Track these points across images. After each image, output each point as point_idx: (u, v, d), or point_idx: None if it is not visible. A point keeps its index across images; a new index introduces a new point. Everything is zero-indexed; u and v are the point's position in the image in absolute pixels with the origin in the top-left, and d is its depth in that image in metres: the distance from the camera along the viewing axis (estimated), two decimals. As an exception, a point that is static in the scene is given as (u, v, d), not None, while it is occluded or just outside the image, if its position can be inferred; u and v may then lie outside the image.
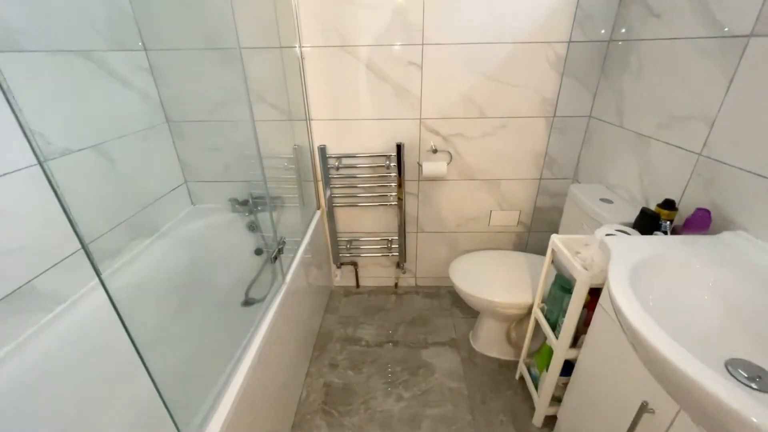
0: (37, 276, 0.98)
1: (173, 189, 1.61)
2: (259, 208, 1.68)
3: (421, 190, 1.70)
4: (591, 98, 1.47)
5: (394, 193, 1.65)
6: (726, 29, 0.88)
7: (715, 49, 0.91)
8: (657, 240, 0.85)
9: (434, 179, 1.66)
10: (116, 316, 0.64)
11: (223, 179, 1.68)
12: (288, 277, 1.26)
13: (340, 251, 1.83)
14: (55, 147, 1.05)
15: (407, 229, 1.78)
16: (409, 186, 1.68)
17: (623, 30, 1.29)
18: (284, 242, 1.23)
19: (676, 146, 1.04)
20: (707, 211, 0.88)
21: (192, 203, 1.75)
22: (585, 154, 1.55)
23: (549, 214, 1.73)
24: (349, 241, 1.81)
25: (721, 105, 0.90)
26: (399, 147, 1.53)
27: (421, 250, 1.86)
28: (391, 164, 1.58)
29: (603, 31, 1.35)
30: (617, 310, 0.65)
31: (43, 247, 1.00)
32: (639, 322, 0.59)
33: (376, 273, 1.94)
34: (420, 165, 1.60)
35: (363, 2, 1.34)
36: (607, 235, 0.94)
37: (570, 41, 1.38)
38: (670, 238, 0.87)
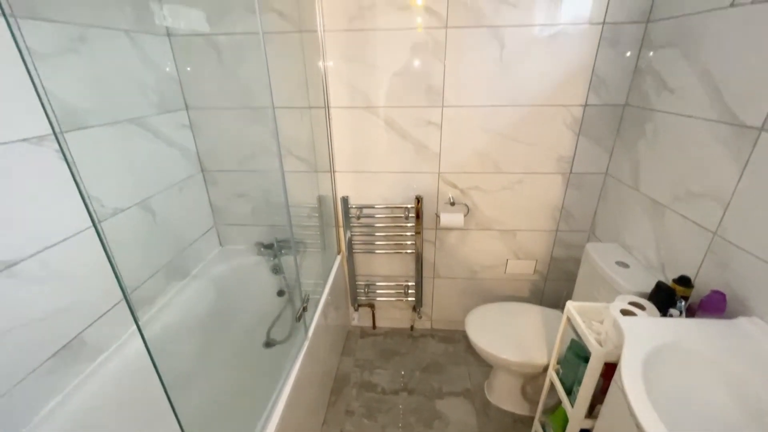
0: (85, 329, 1.07)
1: (204, 233, 1.72)
2: (283, 251, 1.76)
3: (438, 238, 1.75)
4: (607, 157, 1.51)
5: (411, 242, 1.71)
6: (738, 118, 0.92)
7: (728, 134, 0.95)
8: (672, 324, 0.87)
9: (452, 229, 1.71)
10: (150, 361, 0.69)
11: (249, 223, 1.79)
12: (310, 332, 1.32)
13: (357, 294, 1.89)
14: (108, 209, 1.16)
15: (424, 275, 1.83)
16: (427, 234, 1.74)
17: (638, 97, 1.33)
18: (308, 299, 1.30)
19: (692, 221, 1.06)
20: (722, 295, 0.90)
21: (220, 244, 1.85)
22: (601, 210, 1.57)
23: (565, 264, 1.74)
24: (367, 285, 1.87)
25: (734, 189, 0.92)
26: (418, 199, 1.60)
27: (437, 294, 1.90)
28: (410, 215, 1.64)
29: (618, 97, 1.40)
30: (629, 407, 0.68)
31: (90, 301, 1.10)
32: (650, 428, 0.61)
33: (393, 315, 1.98)
34: (438, 216, 1.66)
35: (387, 68, 1.43)
36: (622, 310, 0.96)
37: (586, 105, 1.43)
38: (685, 322, 0.88)
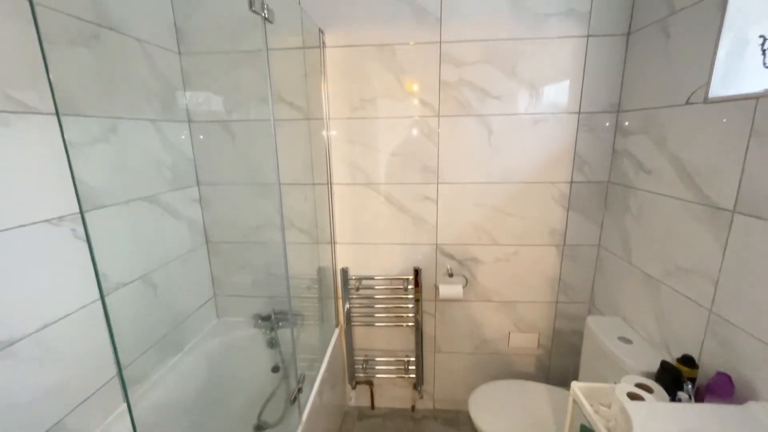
0: (70, 412, 1.02)
1: (203, 304, 1.71)
2: (281, 324, 1.73)
3: (438, 311, 1.73)
4: (598, 230, 1.57)
5: (411, 314, 1.69)
6: (711, 200, 0.99)
7: (705, 215, 1.01)
8: (681, 410, 0.84)
9: (451, 300, 1.70)
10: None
11: (249, 294, 1.78)
12: (304, 416, 1.25)
13: (356, 370, 1.81)
14: (111, 283, 1.19)
15: (425, 349, 1.77)
16: (427, 306, 1.73)
17: (619, 176, 1.43)
18: (303, 378, 1.25)
19: (686, 296, 1.07)
20: (728, 377, 0.88)
21: (218, 316, 1.83)
22: (599, 282, 1.58)
23: (569, 337, 1.70)
24: (366, 360, 1.80)
25: (720, 267, 0.95)
26: (417, 271, 1.62)
27: (439, 370, 1.82)
28: (409, 286, 1.65)
29: (601, 174, 1.50)
30: None
31: (78, 381, 1.07)
32: None
33: (393, 393, 1.87)
34: (437, 287, 1.67)
35: (386, 149, 1.56)
36: (629, 394, 0.93)
37: (572, 182, 1.53)
38: (694, 408, 0.85)
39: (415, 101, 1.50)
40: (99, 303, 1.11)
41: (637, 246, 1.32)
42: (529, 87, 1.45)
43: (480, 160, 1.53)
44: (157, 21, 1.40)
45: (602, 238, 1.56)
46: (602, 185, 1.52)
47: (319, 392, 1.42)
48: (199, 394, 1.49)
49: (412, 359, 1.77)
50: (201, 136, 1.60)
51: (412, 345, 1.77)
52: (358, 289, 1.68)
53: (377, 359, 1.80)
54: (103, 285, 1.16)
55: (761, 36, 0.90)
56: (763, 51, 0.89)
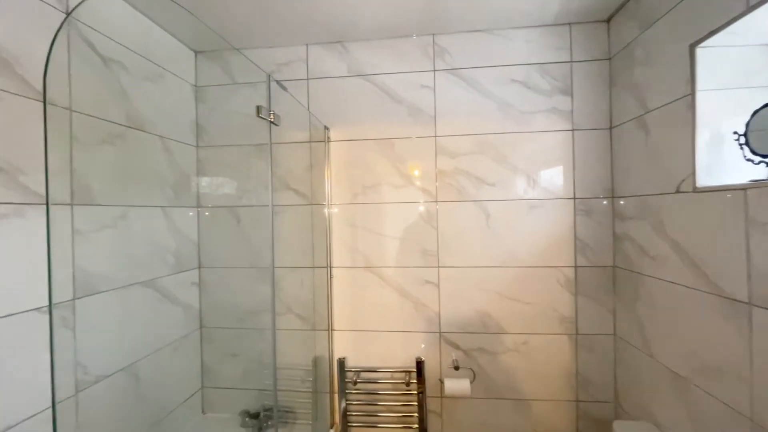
0: None
1: (188, 398, 1.57)
2: (269, 423, 1.56)
3: (444, 410, 1.55)
4: (611, 317, 1.47)
5: (415, 414, 1.52)
6: (725, 291, 0.93)
7: (721, 306, 0.94)
8: None
9: (458, 397, 1.54)
10: None
11: (238, 386, 1.65)
12: None
13: (352, 483, 1.56)
14: (91, 376, 1.12)
15: (431, 457, 1.55)
16: (432, 403, 1.56)
17: (623, 260, 1.40)
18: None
19: (720, 400, 0.95)
20: None
21: (203, 411, 1.67)
22: (622, 377, 1.43)
23: (598, 446, 1.48)
24: (364, 470, 1.57)
25: (751, 366, 0.86)
26: (420, 363, 1.50)
27: (448, 485, 1.56)
28: (411, 380, 1.51)
29: (605, 259, 1.47)
30: None
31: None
32: None
33: None
34: (442, 382, 1.52)
35: (385, 233, 1.58)
36: None
37: (576, 266, 1.49)
38: None
39: (414, 188, 1.57)
40: (72, 400, 1.03)
41: (655, 337, 1.22)
42: (522, 174, 1.52)
43: (480, 243, 1.53)
44: (181, 120, 1.57)
45: (617, 327, 1.46)
46: (608, 270, 1.47)
47: None
48: None
49: (417, 471, 1.53)
50: (208, 221, 1.66)
51: (416, 452, 1.55)
52: (355, 383, 1.54)
53: (377, 470, 1.57)
54: (82, 378, 1.09)
55: (735, 132, 0.95)
56: (740, 146, 0.93)
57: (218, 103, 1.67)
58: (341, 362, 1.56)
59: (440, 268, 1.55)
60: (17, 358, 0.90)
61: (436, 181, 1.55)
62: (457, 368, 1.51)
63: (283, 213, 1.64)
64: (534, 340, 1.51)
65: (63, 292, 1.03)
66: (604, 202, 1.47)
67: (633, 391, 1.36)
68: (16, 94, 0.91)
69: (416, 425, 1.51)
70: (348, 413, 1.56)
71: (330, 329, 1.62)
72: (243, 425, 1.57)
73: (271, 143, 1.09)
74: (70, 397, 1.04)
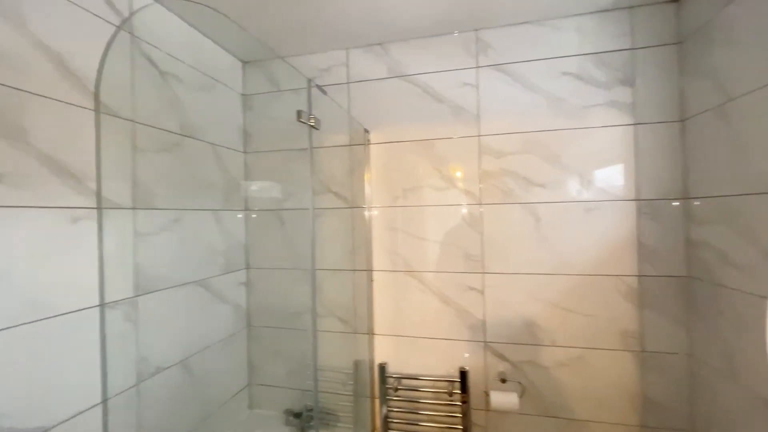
0: None
1: (236, 393, 1.64)
2: (311, 424, 1.58)
3: (490, 424, 1.47)
4: (684, 334, 1.30)
5: (459, 426, 1.45)
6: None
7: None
8: None
9: (505, 411, 1.45)
10: None
11: (283, 385, 1.69)
12: None
13: (393, 492, 1.53)
14: (151, 368, 1.20)
15: (475, 474, 1.47)
16: (477, 417, 1.48)
17: (700, 270, 1.23)
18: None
19: (835, 442, 0.79)
20: None
21: (249, 407, 1.73)
22: (700, 403, 1.26)
23: (669, 478, 1.31)
24: (405, 480, 1.53)
25: None
26: (463, 373, 1.43)
27: (494, 505, 1.47)
28: (455, 390, 1.45)
29: (676, 268, 1.31)
30: None
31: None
32: None
33: None
34: (487, 394, 1.44)
35: (427, 237, 1.54)
36: None
37: (640, 275, 1.34)
38: None
39: (456, 190, 1.51)
40: (134, 390, 1.11)
41: (744, 362, 1.05)
42: (576, 174, 1.40)
43: (529, 249, 1.43)
44: (229, 128, 1.65)
45: (693, 346, 1.28)
46: (680, 281, 1.30)
47: None
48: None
49: (461, 487, 1.46)
50: (254, 223, 1.73)
51: (459, 466, 1.48)
52: (396, 389, 1.51)
53: (418, 481, 1.52)
54: (143, 369, 1.17)
55: None
56: None
57: (263, 110, 1.73)
58: (382, 367, 1.54)
59: (485, 274, 1.48)
60: (86, 350, 0.98)
61: (480, 182, 1.48)
62: (504, 381, 1.42)
63: (324, 216, 1.66)
64: (590, 355, 1.38)
65: (126, 290, 1.11)
66: (675, 204, 1.31)
67: (715, 421, 1.18)
68: (90, 110, 1.00)
69: (459, 438, 1.45)
70: (389, 419, 1.53)
71: (370, 333, 1.60)
72: (287, 423, 1.61)
73: (311, 147, 1.09)
74: (132, 386, 1.12)
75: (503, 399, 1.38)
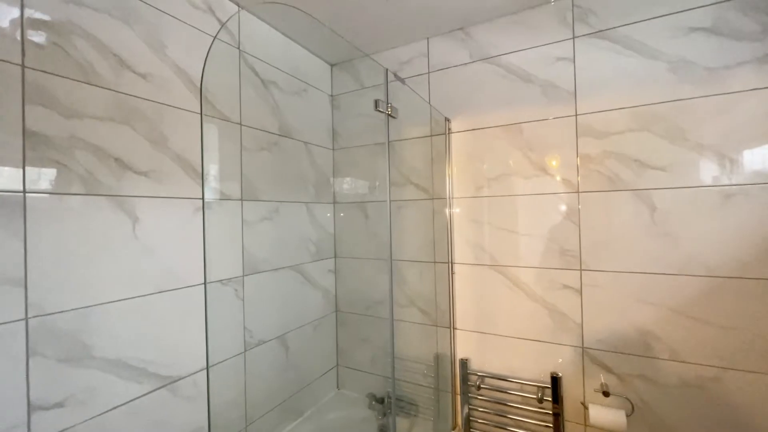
0: (202, 456, 1.15)
1: (325, 372, 1.78)
2: (392, 410, 1.61)
3: (589, 441, 1.30)
4: None
5: (549, 436, 1.32)
6: None
7: None
8: None
9: (609, 430, 1.26)
10: None
11: (367, 371, 1.77)
12: None
13: (475, 494, 1.47)
14: (254, 339, 1.38)
15: (571, 494, 1.31)
16: (572, 430, 1.32)
17: None
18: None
19: None
20: None
21: (338, 387, 1.86)
22: None
23: None
24: (488, 484, 1.45)
25: None
26: (555, 379, 1.29)
27: None
28: (545, 397, 1.32)
29: None
30: None
31: (218, 429, 1.21)
32: None
33: None
34: (585, 407, 1.27)
35: (514, 230, 1.43)
36: None
37: (812, 281, 1.02)
38: None
39: (548, 178, 1.36)
40: (241, 356, 1.30)
41: None
42: (711, 153, 1.13)
43: (639, 244, 1.22)
44: (320, 127, 1.79)
45: None
46: None
47: None
48: (308, 470, 1.47)
49: (553, 504, 1.33)
50: (342, 215, 1.84)
51: (551, 482, 1.34)
52: (479, 387, 1.45)
53: (503, 489, 1.43)
54: (249, 340, 1.35)
55: None
56: None
57: (349, 108, 1.83)
58: (464, 363, 1.49)
59: (583, 272, 1.30)
60: (199, 320, 1.18)
61: (578, 168, 1.31)
62: (607, 394, 1.23)
63: (406, 208, 1.68)
64: (730, 377, 1.11)
65: (235, 270, 1.30)
66: None
67: None
68: (209, 116, 1.20)
69: (551, 451, 1.31)
70: (471, 418, 1.48)
71: (452, 327, 1.56)
72: (369, 407, 1.68)
73: (388, 136, 1.11)
74: (240, 353, 1.30)
75: (607, 416, 1.20)
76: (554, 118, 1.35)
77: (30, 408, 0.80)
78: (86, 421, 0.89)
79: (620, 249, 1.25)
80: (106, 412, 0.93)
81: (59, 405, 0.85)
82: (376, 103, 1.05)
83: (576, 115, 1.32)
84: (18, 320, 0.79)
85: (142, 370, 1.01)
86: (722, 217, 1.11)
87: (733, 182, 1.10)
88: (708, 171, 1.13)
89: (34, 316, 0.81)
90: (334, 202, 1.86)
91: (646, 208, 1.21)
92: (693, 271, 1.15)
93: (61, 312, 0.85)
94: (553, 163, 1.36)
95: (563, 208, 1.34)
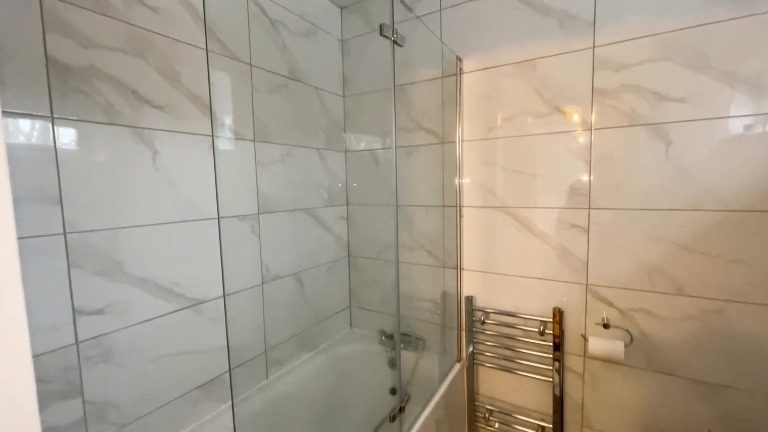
0: (227, 372, 1.28)
1: (339, 311, 1.89)
2: (402, 345, 1.72)
3: (588, 371, 1.36)
4: None
5: (550, 367, 1.38)
6: None
7: None
8: None
9: (607, 360, 1.31)
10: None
11: (378, 310, 1.87)
12: (405, 441, 1.17)
13: (477, 419, 1.58)
14: (271, 274, 1.47)
15: (566, 418, 1.40)
16: (571, 361, 1.38)
17: None
18: (409, 399, 1.19)
19: None
20: None
21: (351, 326, 1.97)
22: None
23: None
24: (490, 411, 1.55)
25: None
26: (558, 313, 1.34)
27: (588, 454, 1.38)
28: (547, 330, 1.37)
29: None
30: None
31: (237, 351, 1.33)
32: None
33: (522, 464, 1.53)
34: (585, 339, 1.32)
35: (524, 170, 1.42)
36: None
37: (830, 211, 0.99)
38: None
39: (560, 115, 1.33)
40: (259, 288, 1.39)
41: None
42: (734, 81, 1.07)
43: (653, 180, 1.19)
44: (330, 73, 1.77)
45: None
46: None
47: (427, 425, 1.30)
48: (323, 395, 1.61)
49: (549, 426, 1.42)
50: (353, 163, 1.87)
51: (549, 407, 1.42)
52: (483, 322, 1.51)
53: (504, 414, 1.53)
54: (265, 273, 1.44)
55: None
56: None
57: (360, 53, 1.80)
58: (469, 300, 1.55)
59: (591, 210, 1.30)
60: (216, 249, 1.26)
61: (592, 104, 1.27)
62: (606, 326, 1.27)
63: (416, 153, 1.68)
64: (735, 310, 1.12)
65: (251, 208, 1.36)
66: None
67: None
68: (220, 54, 1.21)
69: (549, 379, 1.38)
70: (475, 351, 1.56)
71: (459, 268, 1.61)
72: (380, 342, 1.79)
73: (394, 64, 1.10)
74: (257, 285, 1.40)
75: (604, 346, 1.25)
76: (570, 51, 1.30)
77: (75, 312, 0.91)
78: (124, 329, 1.00)
79: (631, 186, 1.23)
80: (141, 323, 1.04)
81: (100, 312, 0.95)
82: (381, 27, 1.03)
83: (594, 47, 1.26)
84: (57, 234, 0.87)
85: (169, 290, 1.11)
86: (740, 148, 1.07)
87: (759, 111, 1.05)
88: (730, 100, 1.08)
89: (70, 232, 0.89)
90: (346, 151, 1.87)
91: (661, 142, 1.18)
92: (704, 206, 1.13)
93: (94, 231, 0.94)
94: (567, 100, 1.32)
95: (575, 146, 1.31)
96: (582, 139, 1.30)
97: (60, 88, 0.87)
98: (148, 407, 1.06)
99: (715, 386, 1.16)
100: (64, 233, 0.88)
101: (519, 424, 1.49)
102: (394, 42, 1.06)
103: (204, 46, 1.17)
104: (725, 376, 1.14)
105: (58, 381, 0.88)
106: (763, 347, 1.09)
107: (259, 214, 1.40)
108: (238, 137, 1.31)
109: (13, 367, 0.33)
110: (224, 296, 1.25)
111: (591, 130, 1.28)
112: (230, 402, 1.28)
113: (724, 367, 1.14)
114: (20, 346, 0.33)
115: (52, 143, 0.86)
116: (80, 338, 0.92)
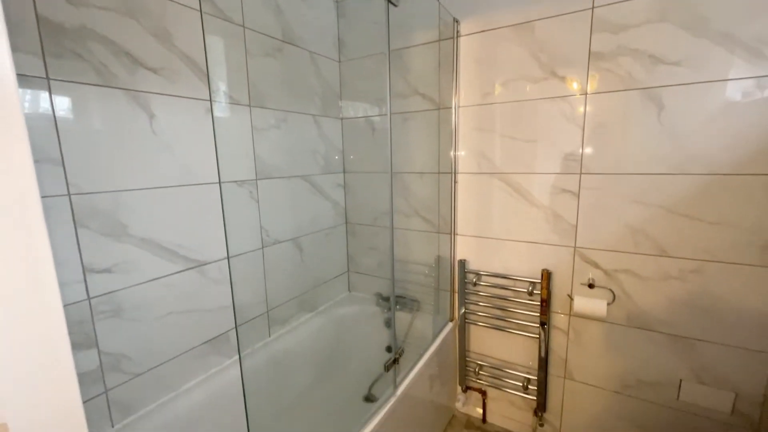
0: (231, 329, 1.36)
1: (337, 276, 1.96)
2: (398, 307, 1.80)
3: (572, 328, 1.44)
4: None
5: (536, 324, 1.47)
6: None
7: None
8: None
9: (590, 318, 1.39)
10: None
11: (374, 274, 1.94)
12: (400, 390, 1.26)
13: (467, 373, 1.69)
14: (271, 239, 1.52)
15: (550, 371, 1.50)
16: (557, 319, 1.46)
17: None
18: (402, 352, 1.27)
19: None
20: None
21: (349, 290, 2.05)
22: None
23: (799, 414, 1.11)
24: (480, 366, 1.66)
25: None
26: (546, 274, 1.40)
27: (568, 402, 1.50)
28: (535, 291, 1.44)
29: None
30: None
31: (241, 310, 1.40)
32: None
33: (508, 412, 1.65)
34: (571, 298, 1.39)
35: (518, 136, 1.43)
36: None
37: (811, 174, 1.02)
38: None
39: (556, 80, 1.33)
40: (259, 252, 1.44)
41: None
42: (732, 43, 1.07)
43: (643, 144, 1.22)
44: (326, 37, 1.73)
45: None
46: None
47: (421, 376, 1.39)
48: (322, 351, 1.71)
49: (534, 378, 1.52)
50: (349, 130, 1.87)
51: (534, 361, 1.52)
52: (475, 284, 1.58)
53: (494, 368, 1.63)
54: (266, 239, 1.49)
55: None
56: None
57: (356, 16, 1.75)
58: (462, 263, 1.61)
59: (582, 175, 1.33)
60: (217, 215, 1.30)
61: (589, 67, 1.27)
62: (591, 286, 1.34)
63: (412, 119, 1.68)
64: (713, 269, 1.17)
65: (249, 173, 1.38)
66: None
67: None
68: (212, 15, 1.19)
69: (536, 335, 1.47)
70: (467, 311, 1.64)
71: (452, 233, 1.66)
72: (377, 304, 1.87)
73: (388, 24, 1.09)
74: (258, 248, 1.45)
75: (588, 304, 1.32)
76: (570, 12, 1.27)
77: (84, 270, 0.96)
78: (131, 287, 1.06)
79: (622, 151, 1.25)
80: (147, 282, 1.09)
81: (108, 271, 1.00)
82: (375, -15, 1.01)
83: (593, 8, 1.23)
84: (62, 195, 0.90)
85: (173, 251, 1.15)
86: (731, 112, 1.09)
87: (754, 74, 1.05)
88: (726, 63, 1.08)
89: (75, 193, 0.92)
90: (342, 117, 1.87)
91: (654, 107, 1.19)
92: (692, 170, 1.16)
93: (97, 193, 0.97)
94: (563, 64, 1.31)
95: (569, 111, 1.32)
96: (577, 104, 1.30)
97: (53, 49, 0.87)
98: (159, 359, 1.14)
99: (690, 340, 1.24)
100: (68, 194, 0.91)
101: (507, 377, 1.59)
102: (389, 1, 1.04)
103: (198, 7, 1.15)
104: (700, 330, 1.22)
105: (74, 333, 0.94)
106: (735, 303, 1.15)
107: (257, 179, 1.42)
108: (233, 102, 1.31)
109: (47, 311, 0.37)
110: (228, 257, 1.30)
111: (586, 95, 1.29)
112: (236, 356, 1.36)
113: (700, 322, 1.22)
114: (51, 294, 0.37)
115: (49, 105, 0.87)
116: (91, 294, 0.97)
